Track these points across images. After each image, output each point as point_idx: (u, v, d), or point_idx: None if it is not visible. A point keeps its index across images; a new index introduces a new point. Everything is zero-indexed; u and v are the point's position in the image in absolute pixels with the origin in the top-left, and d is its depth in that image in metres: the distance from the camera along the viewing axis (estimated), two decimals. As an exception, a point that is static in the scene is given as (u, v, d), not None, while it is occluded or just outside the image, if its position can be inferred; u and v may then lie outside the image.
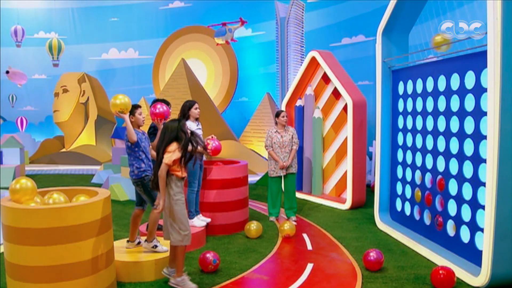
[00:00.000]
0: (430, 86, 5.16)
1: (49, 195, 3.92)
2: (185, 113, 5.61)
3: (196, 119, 5.70)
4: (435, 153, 5.04)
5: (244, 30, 15.19)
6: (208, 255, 4.44)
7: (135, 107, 4.54)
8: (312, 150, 8.13)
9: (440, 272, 4.00)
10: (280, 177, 6.42)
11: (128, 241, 4.66)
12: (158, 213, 4.58)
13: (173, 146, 3.91)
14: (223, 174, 5.88)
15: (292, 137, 6.36)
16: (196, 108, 5.63)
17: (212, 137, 5.90)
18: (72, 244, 3.48)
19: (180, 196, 3.95)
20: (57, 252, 3.44)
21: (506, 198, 3.84)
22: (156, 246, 4.51)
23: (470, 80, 4.40)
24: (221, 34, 12.54)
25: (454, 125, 4.66)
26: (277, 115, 6.41)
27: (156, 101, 5.21)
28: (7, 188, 4.80)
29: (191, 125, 5.58)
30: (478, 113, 4.23)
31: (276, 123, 6.47)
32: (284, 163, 6.27)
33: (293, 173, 6.43)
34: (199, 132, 5.70)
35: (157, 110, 4.78)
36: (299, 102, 8.44)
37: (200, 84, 13.64)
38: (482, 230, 4.09)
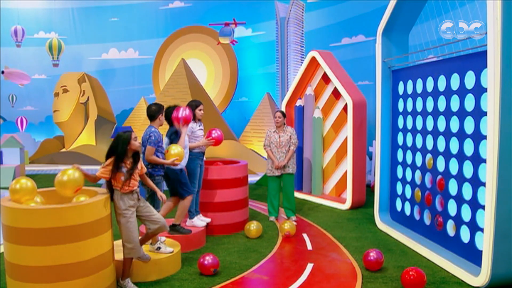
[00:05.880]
0: (430, 86, 5.16)
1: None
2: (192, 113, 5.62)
3: (198, 120, 5.70)
4: (435, 153, 5.04)
5: (244, 30, 15.20)
6: (206, 262, 4.35)
7: (162, 106, 4.84)
8: (312, 150, 8.12)
9: (410, 273, 3.97)
10: (278, 176, 6.43)
11: (150, 243, 4.60)
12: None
13: (109, 160, 3.89)
14: (223, 174, 5.88)
15: (290, 138, 6.37)
16: (200, 110, 5.64)
17: (214, 128, 5.91)
18: (72, 244, 3.48)
19: (125, 211, 3.91)
20: (57, 252, 3.44)
21: (506, 198, 3.84)
22: (159, 248, 4.51)
23: (470, 80, 4.40)
24: (227, 34, 12.54)
25: (454, 125, 4.65)
26: (274, 115, 6.50)
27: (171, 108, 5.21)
28: (7, 188, 4.79)
29: (193, 125, 5.58)
30: (478, 113, 4.23)
31: None
32: (279, 163, 6.28)
33: (290, 173, 6.43)
34: (201, 133, 5.71)
35: (180, 114, 4.99)
36: (299, 102, 8.44)
37: (200, 84, 13.63)
38: (482, 230, 4.09)
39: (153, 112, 4.73)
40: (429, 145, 5.17)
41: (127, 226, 3.94)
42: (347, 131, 7.39)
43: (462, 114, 4.52)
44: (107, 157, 3.91)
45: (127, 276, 4.08)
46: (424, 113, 5.28)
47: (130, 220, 3.95)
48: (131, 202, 3.95)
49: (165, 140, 5.22)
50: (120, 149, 3.85)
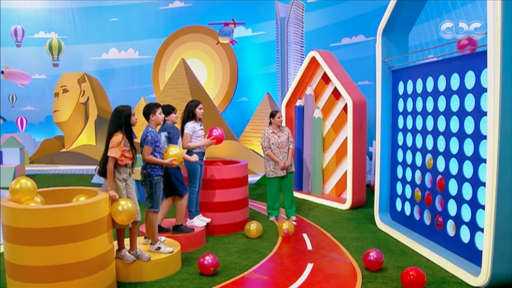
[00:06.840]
0: (430, 86, 5.16)
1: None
2: (189, 113, 5.61)
3: (199, 119, 5.70)
4: (435, 153, 5.04)
5: (244, 30, 15.21)
6: (206, 262, 4.35)
7: (156, 106, 4.75)
8: (312, 150, 8.12)
9: (410, 273, 3.96)
10: (278, 177, 6.42)
11: (150, 243, 4.63)
12: (155, 216, 4.61)
13: (117, 137, 4.03)
14: (223, 174, 5.88)
15: (288, 137, 6.38)
16: (200, 108, 5.64)
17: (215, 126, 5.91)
18: (72, 244, 3.48)
19: (120, 182, 4.09)
20: (57, 252, 3.44)
21: (506, 198, 3.84)
22: (159, 248, 4.51)
23: (470, 80, 4.40)
24: (226, 34, 12.55)
25: (454, 125, 4.65)
26: (273, 115, 6.43)
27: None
28: (7, 188, 4.79)
29: (194, 125, 5.58)
30: (478, 113, 4.23)
31: (270, 124, 6.48)
32: (284, 163, 6.27)
33: (292, 172, 6.49)
34: (202, 132, 5.70)
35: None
36: (299, 102, 8.44)
37: (200, 84, 13.64)
38: (482, 230, 4.09)
39: (144, 114, 4.76)
40: (429, 145, 5.17)
41: (120, 194, 4.08)
42: (347, 131, 7.38)
43: (462, 114, 4.52)
44: (112, 132, 4.07)
45: (123, 246, 4.25)
46: (424, 113, 5.28)
47: (123, 191, 4.12)
48: (124, 175, 4.13)
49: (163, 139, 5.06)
50: (123, 122, 4.09)
